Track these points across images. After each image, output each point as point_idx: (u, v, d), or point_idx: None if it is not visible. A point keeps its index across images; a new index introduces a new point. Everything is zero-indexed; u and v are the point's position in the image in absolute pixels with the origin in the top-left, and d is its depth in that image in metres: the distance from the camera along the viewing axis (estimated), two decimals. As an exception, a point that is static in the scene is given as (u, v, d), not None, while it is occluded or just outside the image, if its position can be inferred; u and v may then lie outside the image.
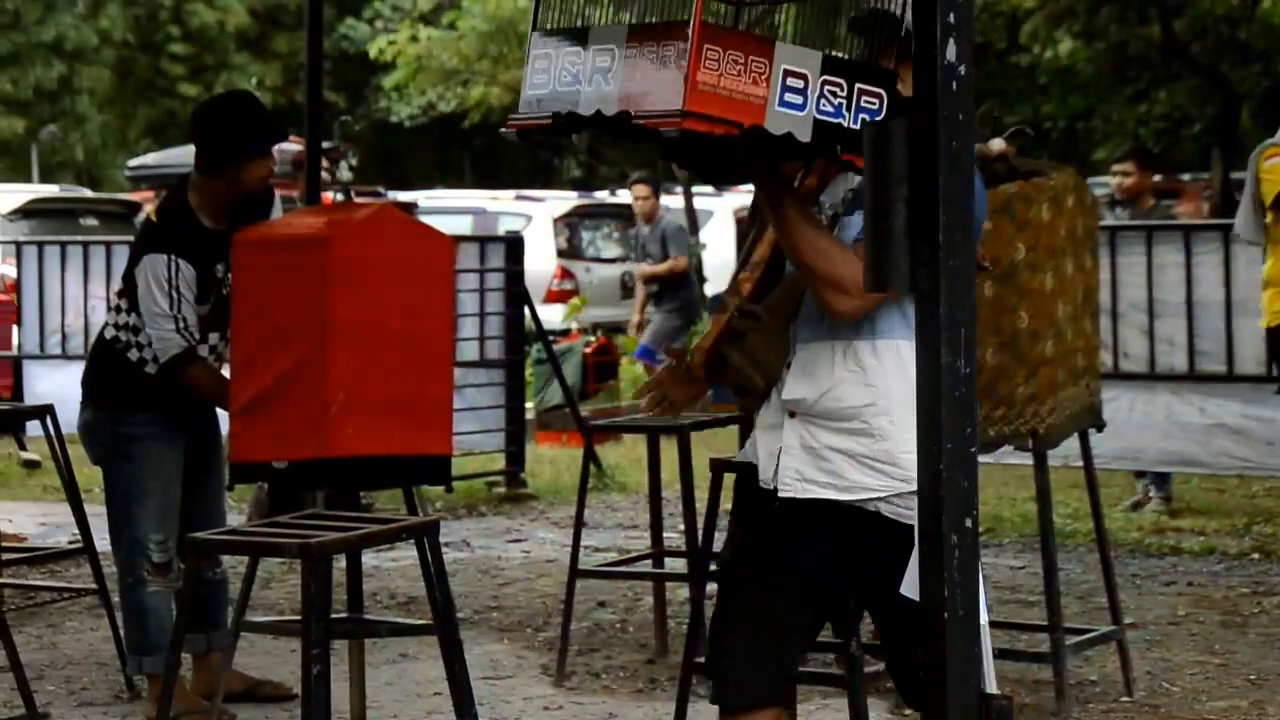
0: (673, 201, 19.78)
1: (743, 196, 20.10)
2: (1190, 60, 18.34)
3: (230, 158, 5.13)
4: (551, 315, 13.71)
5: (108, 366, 5.26)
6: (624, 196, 19.63)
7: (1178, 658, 6.00)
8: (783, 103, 2.90)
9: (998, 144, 5.07)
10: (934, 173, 2.39)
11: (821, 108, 2.93)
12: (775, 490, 3.33)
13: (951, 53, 2.37)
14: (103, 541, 5.74)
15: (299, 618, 3.94)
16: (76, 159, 36.80)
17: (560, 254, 17.87)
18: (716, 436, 9.72)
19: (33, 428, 8.88)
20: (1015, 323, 4.96)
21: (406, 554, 7.21)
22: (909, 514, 3.02)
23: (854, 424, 3.25)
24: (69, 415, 5.71)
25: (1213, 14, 18.29)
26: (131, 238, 10.68)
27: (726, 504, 8.08)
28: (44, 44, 36.02)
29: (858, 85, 2.96)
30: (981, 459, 2.66)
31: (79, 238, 10.49)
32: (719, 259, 17.66)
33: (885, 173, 2.45)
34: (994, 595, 6.74)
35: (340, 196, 5.73)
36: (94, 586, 6.02)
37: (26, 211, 13.11)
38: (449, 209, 17.72)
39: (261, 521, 4.93)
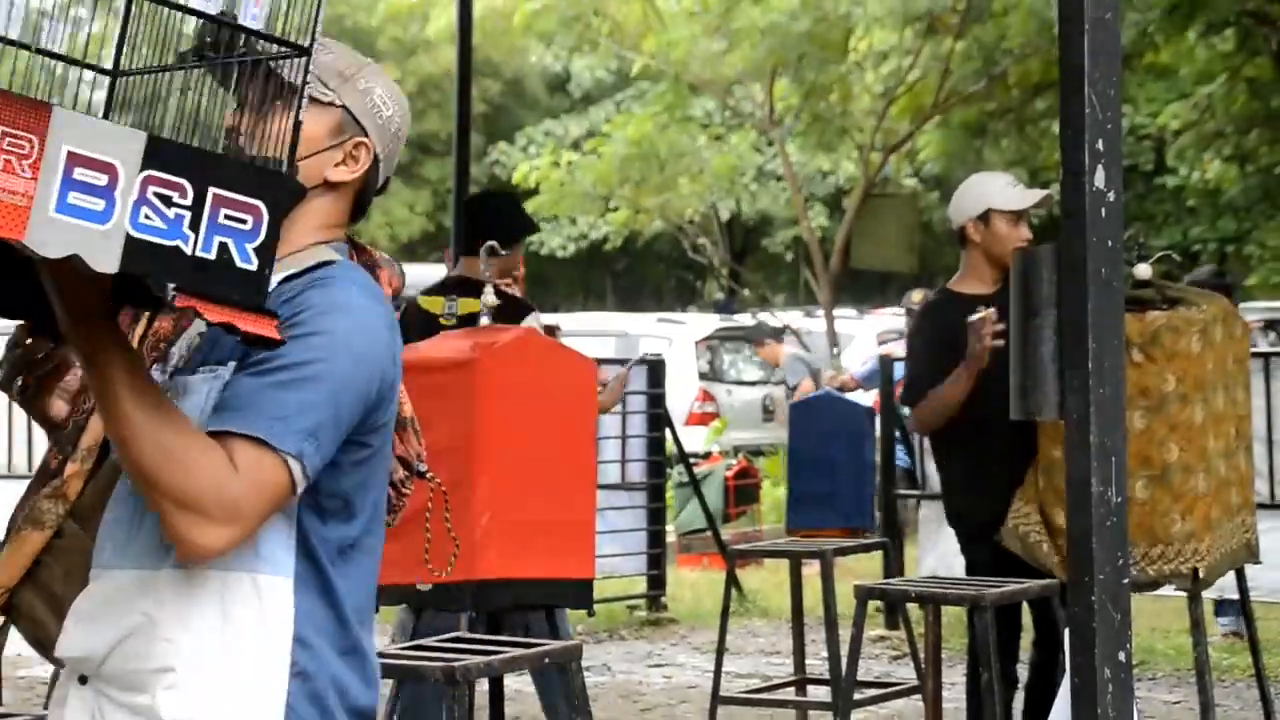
0: (815, 325, 19.78)
1: (887, 319, 20.05)
2: (1345, 186, 18.05)
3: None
4: (693, 438, 13.72)
5: None
6: (765, 318, 19.67)
7: (1342, 798, 5.78)
8: (65, 206, 1.80)
9: (1144, 270, 5.03)
10: (1083, 300, 2.37)
11: (142, 221, 1.83)
12: None
13: (1100, 179, 2.36)
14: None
15: (441, 741, 3.93)
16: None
17: (702, 376, 17.93)
18: (860, 561, 9.63)
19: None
20: (1166, 456, 4.88)
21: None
22: None
23: (142, 698, 2.09)
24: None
25: (1367, 137, 18.02)
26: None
27: (871, 630, 7.98)
28: None
29: (214, 191, 1.86)
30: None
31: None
32: (861, 384, 17.57)
33: (1032, 299, 2.43)
34: (1147, 730, 6.55)
35: (485, 320, 5.82)
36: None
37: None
38: (592, 332, 17.88)
39: (405, 645, 4.96)
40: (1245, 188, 20.40)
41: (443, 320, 5.72)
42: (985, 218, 5.31)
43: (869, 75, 17.66)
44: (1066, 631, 2.47)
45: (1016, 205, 5.33)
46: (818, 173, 21.48)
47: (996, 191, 5.34)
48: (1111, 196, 2.37)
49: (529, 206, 21.55)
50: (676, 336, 18.35)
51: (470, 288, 5.54)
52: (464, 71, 7.62)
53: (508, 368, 5.04)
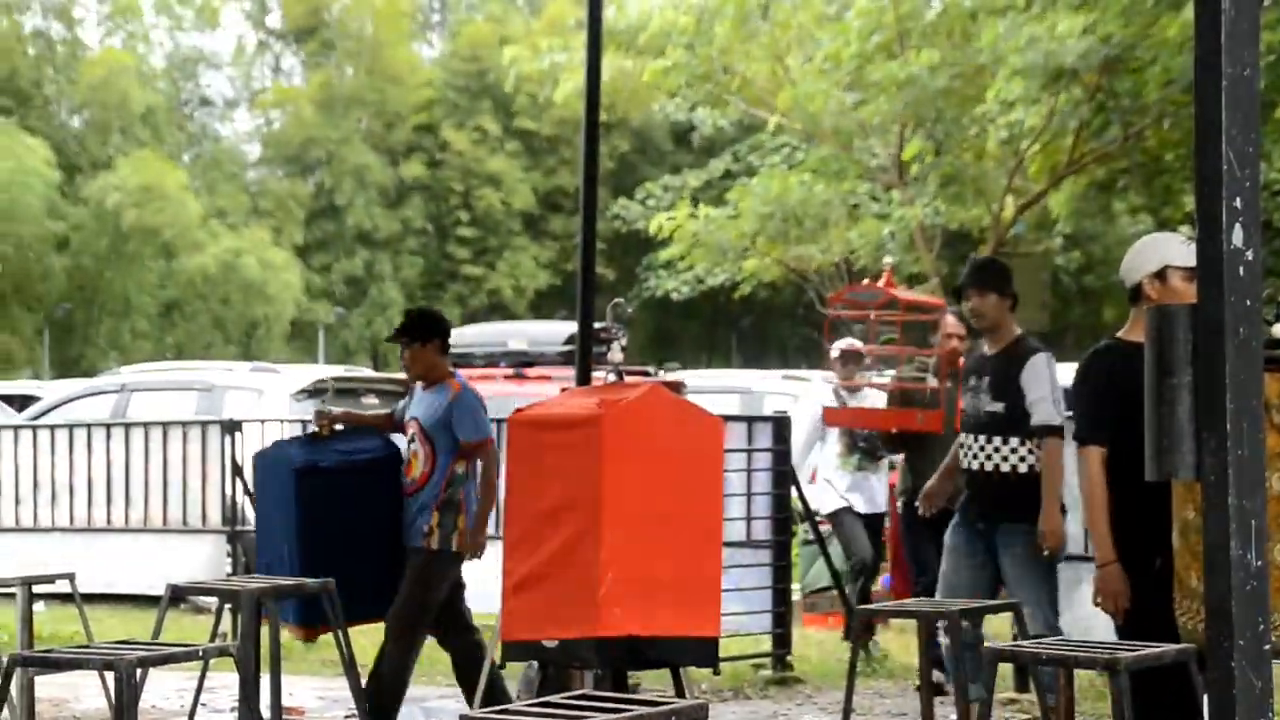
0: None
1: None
2: None
3: None
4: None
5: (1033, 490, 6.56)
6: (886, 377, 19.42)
7: None
8: None
9: (1280, 329, 4.95)
10: (1221, 359, 2.32)
11: None
12: None
13: (1238, 238, 2.32)
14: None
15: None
16: (379, 340, 38.94)
17: (828, 434, 17.77)
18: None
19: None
20: None
21: (672, 736, 7.14)
22: None
23: None
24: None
25: None
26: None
27: (1001, 693, 7.86)
28: (360, 231, 38.17)
29: None
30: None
31: (360, 415, 10.79)
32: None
33: (1168, 358, 2.39)
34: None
35: (611, 377, 5.85)
36: (366, 760, 6.10)
37: (311, 391, 13.60)
38: (716, 388, 17.82)
39: (532, 701, 4.96)
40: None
41: None
42: (1162, 274, 5.50)
43: (1000, 121, 17.50)
44: (1205, 699, 2.42)
45: (1191, 262, 5.39)
46: (933, 215, 21.30)
47: (1173, 249, 5.53)
48: (1249, 254, 2.33)
49: (662, 256, 21.63)
50: (802, 393, 18.21)
51: None
52: (592, 131, 7.67)
53: (634, 425, 5.04)
